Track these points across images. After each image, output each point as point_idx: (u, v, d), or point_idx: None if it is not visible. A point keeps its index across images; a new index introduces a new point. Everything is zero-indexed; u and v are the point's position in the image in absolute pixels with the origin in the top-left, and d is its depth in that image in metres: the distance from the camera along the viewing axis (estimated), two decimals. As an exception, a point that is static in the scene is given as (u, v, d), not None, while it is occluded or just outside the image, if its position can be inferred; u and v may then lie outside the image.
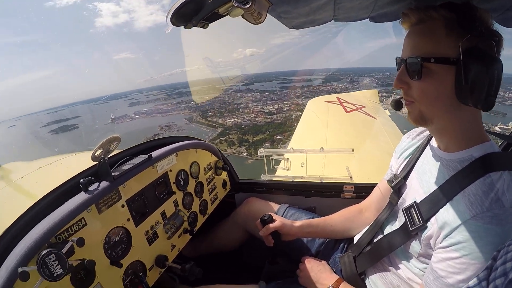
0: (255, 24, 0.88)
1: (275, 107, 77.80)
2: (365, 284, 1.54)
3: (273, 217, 1.69)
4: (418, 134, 1.55)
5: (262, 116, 73.58)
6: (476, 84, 0.98)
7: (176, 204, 1.75)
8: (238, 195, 2.45)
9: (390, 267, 1.42)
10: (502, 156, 1.12)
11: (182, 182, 1.82)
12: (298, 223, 1.73)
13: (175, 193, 1.73)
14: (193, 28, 0.94)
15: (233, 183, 2.40)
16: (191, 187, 1.89)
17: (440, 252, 1.11)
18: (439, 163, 1.26)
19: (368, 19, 1.45)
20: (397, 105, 1.29)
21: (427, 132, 1.48)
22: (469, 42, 1.00)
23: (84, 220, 1.19)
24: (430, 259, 1.19)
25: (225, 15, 0.87)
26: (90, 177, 1.28)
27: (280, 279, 1.72)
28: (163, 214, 1.64)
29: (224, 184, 2.29)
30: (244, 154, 58.92)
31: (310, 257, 1.69)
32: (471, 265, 1.01)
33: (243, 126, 70.25)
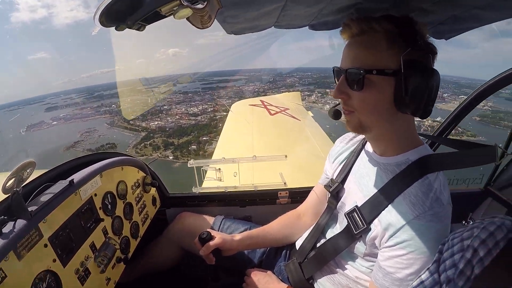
0: (201, 28, 0.79)
1: (199, 108, 76.97)
2: None
3: (212, 234, 1.61)
4: (351, 138, 1.61)
5: (186, 118, 72.08)
6: (416, 95, 1.04)
7: (105, 232, 1.56)
8: (170, 210, 2.31)
9: (337, 269, 1.46)
10: (436, 158, 1.20)
11: (109, 206, 1.63)
12: (238, 236, 1.69)
13: (103, 219, 1.53)
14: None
15: (163, 198, 2.25)
16: (119, 210, 1.71)
17: (386, 251, 1.17)
18: (376, 167, 1.32)
19: (308, 26, 1.47)
20: (336, 115, 1.34)
21: (361, 137, 1.54)
22: (409, 55, 1.05)
23: (3, 272, 0.97)
24: (375, 257, 1.25)
25: (167, 16, 0.72)
26: (2, 217, 1.05)
27: None
28: (92, 246, 1.44)
29: (154, 200, 2.13)
30: (171, 157, 57.42)
31: (254, 269, 1.66)
32: (417, 260, 1.08)
33: (167, 129, 68.01)
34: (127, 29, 0.76)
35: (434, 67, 1.10)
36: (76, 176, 1.41)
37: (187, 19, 0.71)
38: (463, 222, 2.24)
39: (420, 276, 0.95)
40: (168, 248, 2.10)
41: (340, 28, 1.20)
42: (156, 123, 70.21)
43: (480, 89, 2.22)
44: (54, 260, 1.20)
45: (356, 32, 1.12)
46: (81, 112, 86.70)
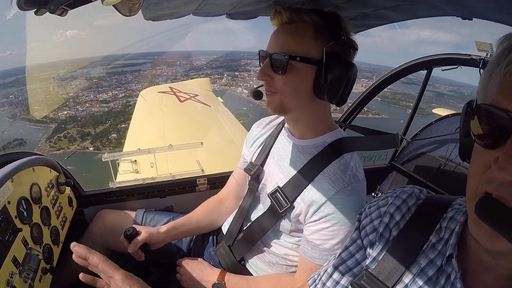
0: (127, 15, 0.76)
1: (108, 94, 70.44)
2: (246, 268, 1.62)
3: (137, 229, 1.57)
4: (267, 123, 1.69)
5: (98, 106, 64.69)
6: (334, 84, 1.16)
7: (25, 242, 1.38)
8: (88, 210, 2.14)
9: (266, 248, 1.55)
10: (350, 140, 1.33)
11: (25, 213, 1.43)
12: (163, 228, 1.67)
13: (21, 229, 1.35)
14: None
15: (79, 197, 2.07)
16: (36, 216, 1.52)
17: (312, 225, 1.29)
18: (295, 149, 1.42)
19: (225, 15, 1.50)
20: (257, 95, 1.41)
21: (277, 121, 1.65)
22: (332, 47, 1.16)
23: None
24: (301, 232, 1.39)
25: (94, 0, 0.68)
26: None
27: None
28: (14, 260, 1.26)
29: (70, 201, 1.94)
30: (91, 148, 51.88)
31: (185, 259, 1.67)
32: (341, 230, 1.23)
33: (79, 118, 60.21)
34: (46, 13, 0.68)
35: (353, 62, 1.24)
36: None
37: (114, 5, 0.69)
38: (373, 194, 2.54)
39: (345, 243, 1.03)
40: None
41: (262, 17, 1.30)
42: (65, 112, 61.71)
43: (384, 77, 2.55)
44: None
45: (286, 20, 1.20)
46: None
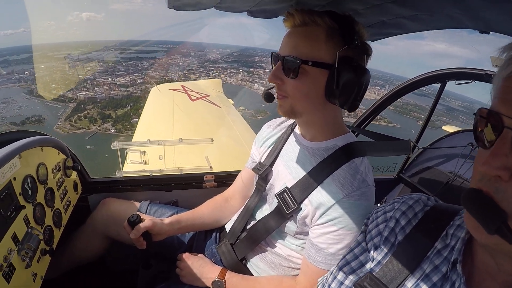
0: None
1: (126, 79, 71.65)
2: (247, 268, 1.60)
3: (142, 217, 1.56)
4: (278, 124, 1.67)
5: (116, 89, 65.95)
6: (346, 89, 1.13)
7: (27, 221, 1.36)
8: (92, 196, 2.13)
9: (269, 248, 1.53)
10: (361, 145, 1.31)
11: (30, 192, 1.42)
12: (167, 220, 1.65)
13: (24, 207, 1.33)
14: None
15: (84, 183, 2.06)
16: (40, 196, 1.50)
17: (318, 228, 1.27)
18: (305, 151, 1.40)
19: (246, 12, 1.48)
20: (269, 98, 1.38)
21: (288, 123, 1.62)
22: (345, 52, 1.13)
23: None
24: (306, 235, 1.36)
25: None
26: None
27: (160, 283, 1.64)
28: (14, 237, 1.24)
29: (75, 186, 1.93)
30: (113, 131, 52.67)
31: (186, 253, 1.65)
32: (347, 235, 1.21)
33: (98, 100, 61.25)
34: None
35: (366, 67, 1.20)
36: None
37: None
38: (378, 205, 2.49)
39: (351, 246, 1.04)
40: (94, 237, 1.95)
41: (280, 17, 1.27)
42: (84, 93, 62.91)
43: (398, 88, 2.53)
44: None
45: (298, 22, 1.16)
46: (-12, 81, 69.19)
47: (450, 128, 9.99)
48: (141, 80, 74.44)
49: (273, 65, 1.25)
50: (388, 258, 0.88)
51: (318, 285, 1.12)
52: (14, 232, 1.26)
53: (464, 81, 2.16)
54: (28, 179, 1.43)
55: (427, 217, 0.89)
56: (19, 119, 56.20)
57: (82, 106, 61.52)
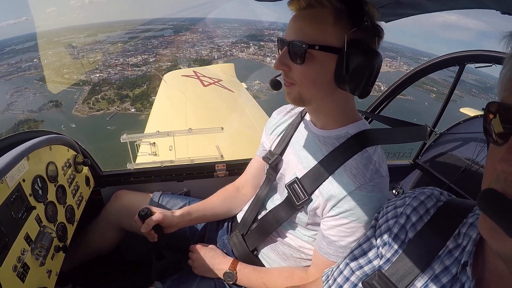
0: None
1: (138, 58, 71.48)
2: (259, 259, 1.60)
3: (152, 210, 1.56)
4: (289, 111, 1.61)
5: (130, 69, 65.97)
6: (356, 74, 1.05)
7: (39, 220, 1.39)
8: (105, 190, 2.17)
9: (280, 239, 1.51)
10: (374, 133, 1.24)
11: (40, 191, 1.45)
12: (178, 212, 1.64)
13: (35, 207, 1.36)
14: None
15: (96, 177, 2.10)
16: (51, 195, 1.54)
17: (329, 220, 1.23)
18: (316, 139, 1.35)
19: None
20: (276, 85, 1.31)
21: (299, 109, 1.56)
22: (354, 34, 1.05)
23: None
24: (318, 226, 1.32)
25: None
26: None
27: (173, 274, 1.65)
28: (27, 238, 1.28)
29: (88, 180, 1.97)
30: (132, 110, 53.18)
31: (198, 245, 1.66)
32: (359, 228, 1.17)
33: (113, 81, 61.43)
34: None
35: (377, 49, 1.12)
36: (0, 162, 1.23)
37: None
38: (393, 191, 2.46)
39: (358, 240, 1.01)
40: (107, 229, 2.00)
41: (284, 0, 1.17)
42: (97, 75, 63.09)
43: (415, 70, 2.45)
44: None
45: (303, 5, 1.09)
46: (-4, 72, 69.87)
47: (468, 111, 9.70)
48: (153, 59, 74.14)
49: (279, 51, 1.18)
50: (397, 256, 0.85)
51: (323, 276, 1.11)
52: (27, 232, 1.29)
53: (483, 64, 2.04)
54: (38, 179, 1.45)
55: (439, 213, 0.85)
56: (35, 106, 56.46)
57: (97, 88, 61.46)
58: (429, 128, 1.10)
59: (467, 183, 2.32)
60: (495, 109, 0.59)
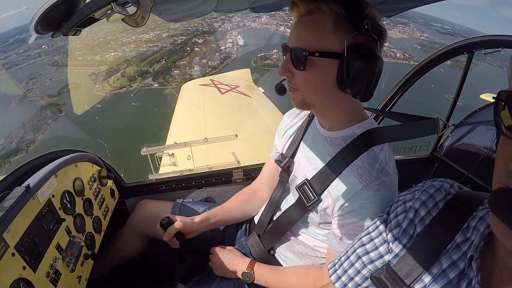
0: (135, 27, 0.78)
1: (150, 34, 70.84)
2: (275, 258, 1.65)
3: (172, 219, 1.64)
4: (298, 113, 1.64)
5: (144, 46, 65.84)
6: (357, 78, 1.06)
7: (68, 231, 1.54)
8: (129, 200, 2.30)
9: (295, 238, 1.56)
10: (380, 131, 1.26)
11: (68, 205, 1.59)
12: (197, 218, 1.71)
13: (64, 219, 1.51)
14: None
15: (120, 189, 2.22)
16: (79, 207, 1.68)
17: (338, 219, 1.26)
18: (324, 141, 1.37)
19: (248, 9, 1.45)
20: (281, 90, 1.35)
21: (307, 112, 1.57)
22: (355, 38, 1.06)
23: None
24: (330, 225, 1.35)
25: (101, 19, 0.74)
26: None
27: (195, 276, 1.73)
28: (58, 247, 1.42)
29: (112, 193, 2.10)
30: (156, 85, 52.75)
31: (218, 247, 1.74)
32: (368, 226, 1.16)
33: (130, 58, 61.13)
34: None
35: (379, 53, 1.11)
36: (31, 180, 1.37)
37: (122, 20, 0.72)
38: (413, 186, 2.45)
39: (371, 234, 1.01)
40: (133, 238, 2.11)
41: (282, 8, 1.25)
42: (112, 54, 63.02)
43: (424, 62, 2.43)
44: (24, 268, 1.19)
45: (303, 11, 1.11)
46: (7, 62, 70.16)
47: (488, 97, 9.30)
48: (166, 34, 73.25)
49: (283, 57, 1.21)
50: (405, 250, 0.85)
51: (329, 265, 1.12)
52: (58, 242, 1.43)
53: (492, 50, 2.01)
54: (66, 194, 1.60)
55: (448, 207, 0.84)
56: (54, 90, 55.70)
57: (115, 66, 60.72)
58: (441, 121, 1.09)
59: (487, 173, 2.25)
60: (505, 98, 0.56)
